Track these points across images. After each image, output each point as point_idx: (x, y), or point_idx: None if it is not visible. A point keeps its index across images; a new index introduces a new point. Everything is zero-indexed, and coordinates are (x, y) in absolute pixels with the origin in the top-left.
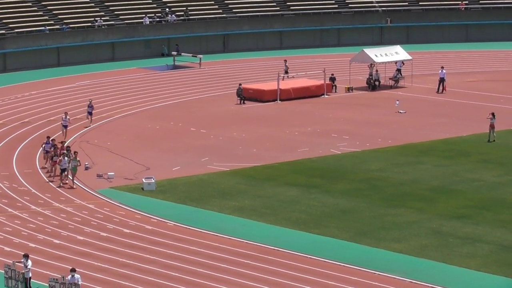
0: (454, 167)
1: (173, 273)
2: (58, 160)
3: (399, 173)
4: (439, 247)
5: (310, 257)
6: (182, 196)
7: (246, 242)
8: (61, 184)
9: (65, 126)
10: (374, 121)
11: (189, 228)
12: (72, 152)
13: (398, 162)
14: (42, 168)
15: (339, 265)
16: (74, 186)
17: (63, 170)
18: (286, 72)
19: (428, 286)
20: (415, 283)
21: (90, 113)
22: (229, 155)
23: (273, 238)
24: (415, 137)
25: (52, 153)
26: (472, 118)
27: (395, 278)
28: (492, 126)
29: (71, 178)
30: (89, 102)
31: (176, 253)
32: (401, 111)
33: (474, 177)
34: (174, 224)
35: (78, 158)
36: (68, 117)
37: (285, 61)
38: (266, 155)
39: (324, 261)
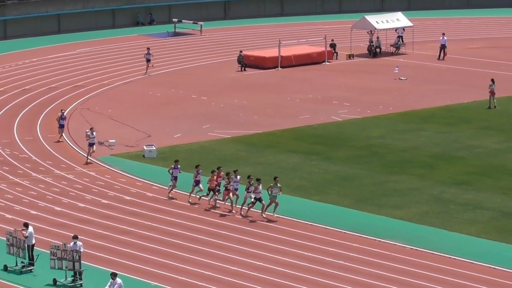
0: (455, 134)
1: (174, 240)
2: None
3: (400, 140)
4: (440, 214)
5: (311, 224)
6: (183, 164)
7: (246, 209)
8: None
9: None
10: (375, 88)
11: (181, 193)
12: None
13: (399, 129)
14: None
15: (340, 231)
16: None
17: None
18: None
19: (429, 252)
20: (415, 249)
21: (61, 126)
22: (230, 122)
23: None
24: (416, 104)
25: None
26: (473, 84)
27: (396, 244)
28: (492, 93)
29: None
30: (61, 114)
31: (177, 220)
32: (402, 78)
33: (475, 144)
34: (175, 191)
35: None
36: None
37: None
38: (267, 122)
39: (325, 227)
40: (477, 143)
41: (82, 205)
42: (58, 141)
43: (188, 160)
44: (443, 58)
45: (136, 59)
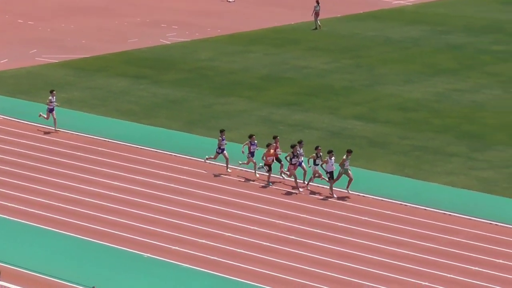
0: (283, 55)
1: (10, 169)
2: None
3: (229, 62)
4: (269, 135)
5: (141, 148)
6: (11, 89)
7: (77, 134)
8: None
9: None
10: (203, 11)
11: (20, 122)
12: None
13: (227, 51)
14: None
15: (170, 154)
16: None
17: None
18: None
19: (259, 173)
20: (245, 171)
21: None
22: (58, 47)
23: (104, 129)
24: (244, 26)
25: None
26: (300, 5)
27: (222, 166)
28: (317, 14)
29: None
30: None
31: (13, 149)
32: (230, 0)
33: (303, 65)
34: (4, 118)
35: None
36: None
37: None
38: (95, 46)
39: (155, 151)
40: (305, 64)
41: None
42: None
43: (16, 85)
44: None
45: None
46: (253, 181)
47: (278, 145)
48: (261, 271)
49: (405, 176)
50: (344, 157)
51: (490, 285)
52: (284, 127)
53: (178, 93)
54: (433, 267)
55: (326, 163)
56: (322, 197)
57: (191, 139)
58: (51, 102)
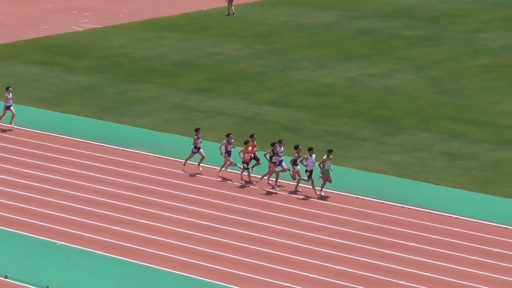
0: (196, 42)
1: None
2: None
3: (141, 49)
4: (183, 121)
5: (53, 135)
6: None
7: None
8: None
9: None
10: None
11: None
12: None
13: (140, 38)
14: None
15: (83, 142)
16: None
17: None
18: None
19: (172, 159)
20: (159, 157)
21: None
22: None
23: (15, 116)
24: (157, 12)
25: None
26: None
27: (139, 153)
28: (230, 0)
29: None
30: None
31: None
32: None
33: (216, 51)
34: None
35: None
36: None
37: None
38: (5, 33)
39: (68, 138)
40: (218, 50)
41: None
42: None
43: None
44: None
45: None
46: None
47: (255, 143)
48: (176, 258)
49: (318, 161)
50: (325, 157)
51: (403, 268)
52: (197, 113)
53: (91, 80)
54: (347, 251)
55: (306, 160)
56: (239, 184)
57: (104, 126)
58: (8, 99)
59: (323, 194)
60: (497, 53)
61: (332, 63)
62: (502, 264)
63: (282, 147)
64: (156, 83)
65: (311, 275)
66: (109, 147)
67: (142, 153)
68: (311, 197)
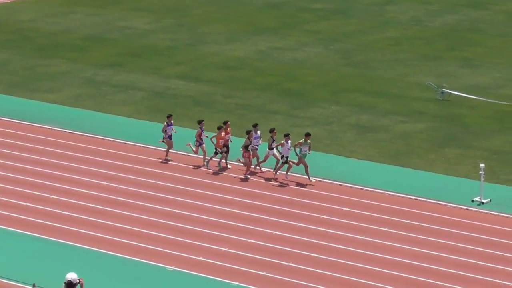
0: (106, 16)
1: None
2: None
3: (51, 23)
4: (93, 96)
5: None
6: None
7: None
8: None
9: None
10: None
11: None
12: None
13: (50, 12)
14: None
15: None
16: None
17: None
18: None
19: (84, 135)
20: (70, 132)
21: None
22: None
23: None
24: None
25: None
26: None
27: (50, 128)
28: None
29: None
30: None
31: None
32: None
33: (126, 25)
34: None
35: None
36: None
37: None
38: None
39: None
40: (128, 24)
41: None
42: None
43: None
44: None
45: None
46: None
47: (229, 130)
48: (88, 233)
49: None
50: (301, 140)
51: (315, 241)
52: (107, 88)
53: (0, 55)
54: (260, 225)
55: (282, 146)
56: (154, 158)
57: (14, 102)
58: None
59: (313, 180)
60: (405, 25)
61: (242, 36)
62: (413, 235)
63: (258, 132)
64: (66, 58)
65: (224, 249)
66: (19, 123)
67: (53, 129)
68: (223, 172)
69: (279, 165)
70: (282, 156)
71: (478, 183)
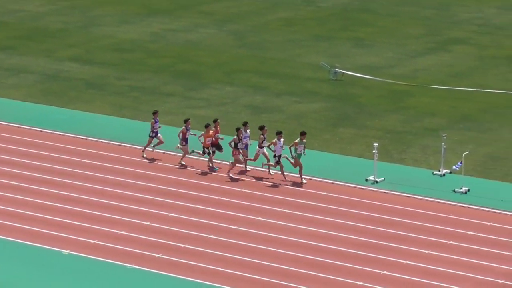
0: None
1: None
2: None
3: None
4: None
5: None
6: None
7: None
8: None
9: None
10: None
11: None
12: None
13: None
14: None
15: None
16: None
17: None
18: None
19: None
20: None
21: None
22: None
23: None
24: None
25: None
26: None
27: None
28: None
29: None
30: None
31: None
32: None
33: (17, 8)
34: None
35: None
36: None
37: None
38: None
39: None
40: (19, 7)
41: None
42: None
43: None
44: None
45: None
46: None
47: (218, 129)
48: None
49: (123, 117)
50: (297, 140)
51: (210, 222)
52: (0, 72)
53: None
54: (156, 207)
55: (274, 145)
56: (50, 142)
57: None
58: None
59: (305, 182)
60: (298, 6)
61: (135, 18)
62: (309, 215)
63: (248, 131)
64: None
65: (120, 232)
66: None
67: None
68: (114, 154)
69: (272, 163)
70: (275, 155)
71: (372, 162)
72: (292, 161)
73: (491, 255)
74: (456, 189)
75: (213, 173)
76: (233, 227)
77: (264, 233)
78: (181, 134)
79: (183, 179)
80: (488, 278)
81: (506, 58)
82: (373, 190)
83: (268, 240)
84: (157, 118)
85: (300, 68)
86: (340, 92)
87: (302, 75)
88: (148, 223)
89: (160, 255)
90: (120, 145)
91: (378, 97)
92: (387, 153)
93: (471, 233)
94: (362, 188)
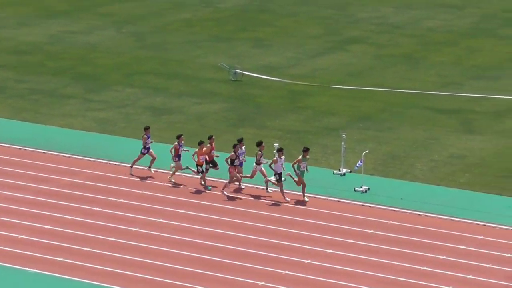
0: None
1: None
2: None
3: None
4: None
5: None
6: None
7: None
8: None
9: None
10: None
11: None
12: None
13: None
14: None
15: None
16: None
17: None
18: None
19: None
20: None
21: None
22: None
23: None
24: None
25: None
26: None
27: None
28: None
29: None
30: None
31: None
32: None
33: None
34: None
35: None
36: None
37: None
38: None
39: None
40: None
41: None
42: None
43: None
44: None
45: None
46: None
47: (213, 146)
48: None
49: (23, 120)
50: (300, 157)
51: (111, 225)
52: None
53: None
54: (53, 210)
55: (275, 163)
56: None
57: None
58: None
59: (307, 200)
60: (197, 7)
61: (33, 20)
62: (207, 216)
63: (243, 147)
64: None
65: (20, 236)
66: None
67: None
68: (13, 157)
69: (271, 180)
70: (275, 174)
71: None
72: (296, 178)
73: (391, 253)
74: (356, 188)
75: (206, 191)
76: (133, 229)
77: (164, 234)
78: (173, 150)
79: (76, 180)
80: (388, 276)
81: (404, 56)
82: (274, 190)
83: (167, 241)
84: (149, 133)
85: (200, 69)
86: (240, 92)
87: (202, 76)
88: (48, 226)
89: (61, 259)
90: (20, 148)
91: (277, 97)
92: (287, 153)
93: (371, 231)
94: (263, 189)
